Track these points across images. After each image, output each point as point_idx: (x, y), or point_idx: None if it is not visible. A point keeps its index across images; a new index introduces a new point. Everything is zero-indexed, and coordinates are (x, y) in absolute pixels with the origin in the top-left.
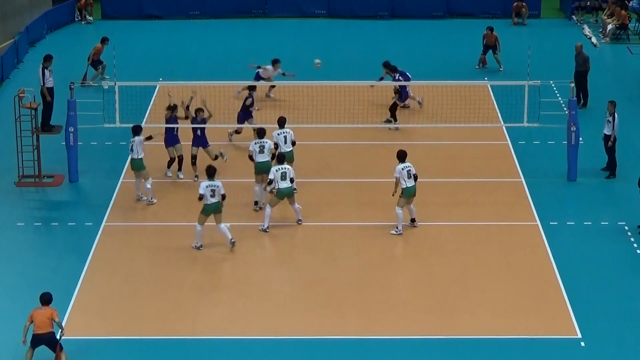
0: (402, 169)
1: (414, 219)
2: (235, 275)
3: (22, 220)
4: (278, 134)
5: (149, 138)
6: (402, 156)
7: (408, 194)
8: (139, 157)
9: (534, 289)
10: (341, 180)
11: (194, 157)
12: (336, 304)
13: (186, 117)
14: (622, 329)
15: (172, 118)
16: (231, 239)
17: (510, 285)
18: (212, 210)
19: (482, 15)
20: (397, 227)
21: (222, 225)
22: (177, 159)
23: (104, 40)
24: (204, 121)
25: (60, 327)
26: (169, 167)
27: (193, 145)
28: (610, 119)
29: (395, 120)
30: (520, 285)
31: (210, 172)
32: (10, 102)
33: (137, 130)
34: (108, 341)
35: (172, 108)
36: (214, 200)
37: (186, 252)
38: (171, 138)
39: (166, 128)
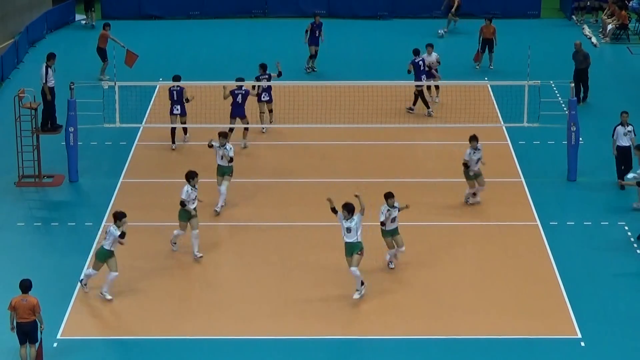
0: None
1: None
2: (235, 275)
3: (22, 220)
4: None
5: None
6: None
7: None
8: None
9: (534, 289)
10: (341, 180)
11: (231, 130)
12: (336, 303)
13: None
14: (622, 329)
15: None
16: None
17: (510, 285)
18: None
19: (482, 15)
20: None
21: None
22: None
23: (106, 26)
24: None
25: (41, 322)
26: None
27: (231, 116)
28: (630, 128)
29: (428, 106)
30: (521, 285)
31: (117, 216)
32: (10, 102)
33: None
34: (108, 341)
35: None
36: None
37: (186, 252)
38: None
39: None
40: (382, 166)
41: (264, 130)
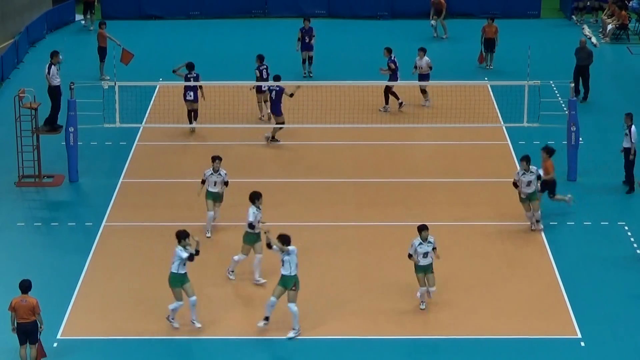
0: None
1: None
2: (235, 275)
3: (22, 220)
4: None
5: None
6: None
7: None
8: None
9: (534, 289)
10: (341, 180)
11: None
12: (336, 304)
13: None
14: (622, 329)
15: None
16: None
17: (510, 285)
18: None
19: (482, 15)
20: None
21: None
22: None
23: (102, 25)
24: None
25: (40, 322)
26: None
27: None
28: (627, 131)
29: (388, 102)
30: (520, 285)
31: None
32: (10, 102)
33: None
34: (108, 341)
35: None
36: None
37: None
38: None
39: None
40: (382, 166)
41: (262, 118)
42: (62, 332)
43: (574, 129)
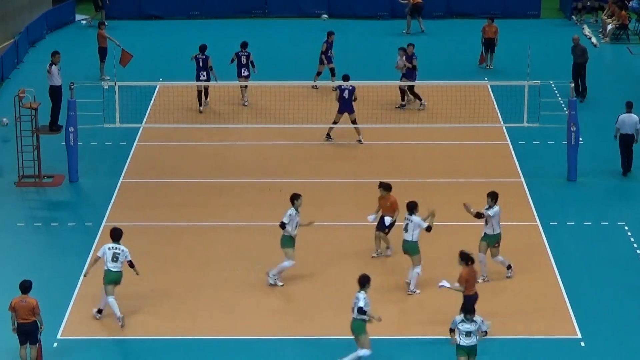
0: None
1: None
2: (235, 275)
3: (22, 220)
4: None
5: None
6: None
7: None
8: None
9: (534, 289)
10: (341, 180)
11: (336, 122)
12: (336, 304)
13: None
14: (622, 329)
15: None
16: (120, 317)
17: (510, 285)
18: (113, 279)
19: (482, 15)
20: None
21: (111, 298)
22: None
23: (101, 25)
24: (353, 88)
25: (40, 322)
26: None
27: (339, 112)
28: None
29: (420, 99)
30: (520, 285)
31: (116, 235)
32: (10, 102)
33: None
34: (108, 341)
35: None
36: (113, 266)
37: (185, 252)
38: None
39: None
40: (382, 166)
41: (245, 104)
42: (62, 332)
43: (574, 129)
